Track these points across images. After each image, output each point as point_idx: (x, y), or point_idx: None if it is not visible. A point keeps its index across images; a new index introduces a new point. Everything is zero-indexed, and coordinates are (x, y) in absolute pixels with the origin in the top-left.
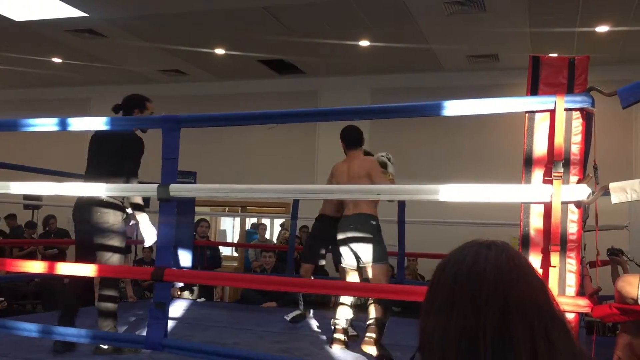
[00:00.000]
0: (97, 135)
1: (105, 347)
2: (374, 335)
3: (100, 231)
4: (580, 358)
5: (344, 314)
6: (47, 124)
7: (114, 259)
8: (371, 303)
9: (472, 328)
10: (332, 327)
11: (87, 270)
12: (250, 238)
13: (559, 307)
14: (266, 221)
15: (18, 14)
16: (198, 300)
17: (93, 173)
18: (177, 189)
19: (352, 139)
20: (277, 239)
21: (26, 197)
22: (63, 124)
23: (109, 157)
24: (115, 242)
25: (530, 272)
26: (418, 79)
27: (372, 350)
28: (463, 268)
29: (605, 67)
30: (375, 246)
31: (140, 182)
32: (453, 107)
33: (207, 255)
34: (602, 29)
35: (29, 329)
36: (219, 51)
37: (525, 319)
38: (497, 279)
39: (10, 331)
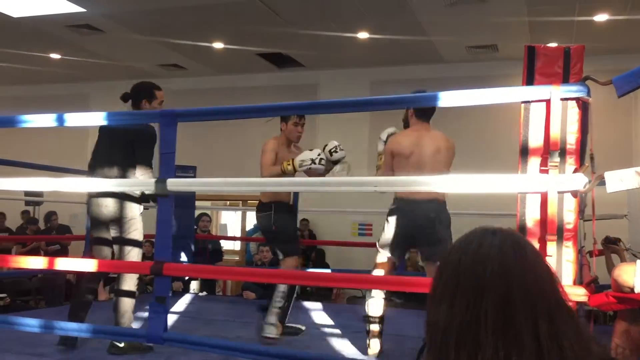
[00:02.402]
0: (107, 127)
1: (121, 344)
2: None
3: (119, 225)
4: (586, 340)
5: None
6: (46, 120)
7: (134, 252)
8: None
9: (475, 312)
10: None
11: (88, 265)
12: (251, 233)
13: (565, 294)
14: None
15: (16, 10)
16: (200, 294)
17: (104, 165)
18: (175, 184)
19: (427, 108)
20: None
21: (27, 193)
22: (62, 120)
23: (121, 148)
24: (135, 235)
25: (536, 259)
26: (417, 70)
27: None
28: (468, 253)
29: (606, 56)
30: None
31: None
32: (450, 98)
33: (208, 249)
34: (601, 17)
35: (32, 324)
36: (218, 45)
37: (527, 302)
38: (501, 263)
39: (14, 327)
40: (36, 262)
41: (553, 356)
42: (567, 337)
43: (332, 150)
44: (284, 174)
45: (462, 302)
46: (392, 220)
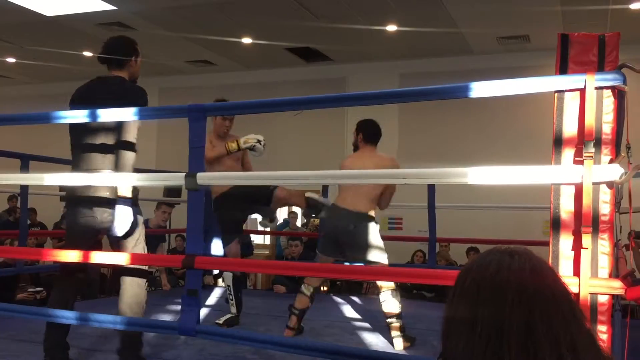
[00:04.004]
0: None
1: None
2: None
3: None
4: None
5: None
6: (80, 116)
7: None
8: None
9: (497, 339)
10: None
11: (119, 258)
12: (281, 227)
13: (583, 316)
14: (297, 209)
15: (49, 9)
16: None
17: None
18: (205, 178)
19: (373, 133)
20: (307, 227)
21: (62, 189)
22: (95, 116)
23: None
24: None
25: (554, 282)
26: (447, 63)
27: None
28: (486, 278)
29: None
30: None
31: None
32: (481, 89)
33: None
34: (637, 5)
35: (68, 316)
36: (246, 40)
37: (551, 331)
38: (521, 288)
39: (50, 319)
40: (71, 256)
41: None
42: None
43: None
44: (229, 153)
45: (484, 334)
46: (322, 225)
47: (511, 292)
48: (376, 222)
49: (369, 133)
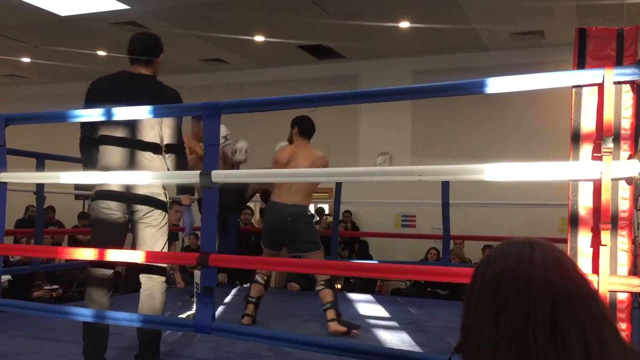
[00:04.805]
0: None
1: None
2: (334, 316)
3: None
4: (632, 357)
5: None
6: (94, 115)
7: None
8: (320, 289)
9: (522, 331)
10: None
11: (135, 256)
12: None
13: (605, 306)
14: (310, 207)
15: (63, 9)
16: (245, 285)
17: None
18: (220, 175)
19: (308, 128)
20: (320, 225)
21: (77, 187)
22: (110, 114)
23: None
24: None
25: (575, 272)
26: (460, 59)
27: (341, 328)
28: (507, 269)
29: None
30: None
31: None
32: (496, 85)
33: (252, 241)
34: None
35: (84, 314)
36: (259, 38)
37: (577, 321)
38: (545, 280)
39: (67, 316)
40: (86, 254)
41: None
42: (614, 355)
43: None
44: (200, 159)
45: (508, 326)
46: (264, 219)
47: (535, 285)
48: (313, 216)
49: (304, 128)
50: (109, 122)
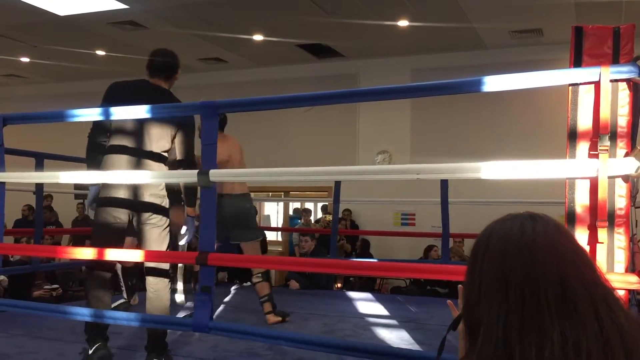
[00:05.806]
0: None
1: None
2: (271, 309)
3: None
4: (635, 320)
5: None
6: (92, 114)
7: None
8: (257, 282)
9: (533, 299)
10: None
11: (134, 255)
12: (293, 223)
13: (603, 274)
14: (310, 205)
15: (62, 9)
16: (244, 284)
17: None
18: (218, 175)
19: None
20: (319, 223)
21: (77, 186)
22: (108, 114)
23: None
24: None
25: (576, 241)
26: (459, 57)
27: (276, 319)
28: (511, 242)
29: None
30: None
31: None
32: (493, 83)
33: None
34: None
35: (84, 313)
36: (257, 37)
37: (585, 286)
38: (550, 246)
39: (67, 316)
40: (85, 253)
41: (615, 336)
42: (621, 317)
43: None
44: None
45: (518, 295)
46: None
47: (540, 251)
48: (251, 201)
49: (222, 123)
50: (120, 131)
